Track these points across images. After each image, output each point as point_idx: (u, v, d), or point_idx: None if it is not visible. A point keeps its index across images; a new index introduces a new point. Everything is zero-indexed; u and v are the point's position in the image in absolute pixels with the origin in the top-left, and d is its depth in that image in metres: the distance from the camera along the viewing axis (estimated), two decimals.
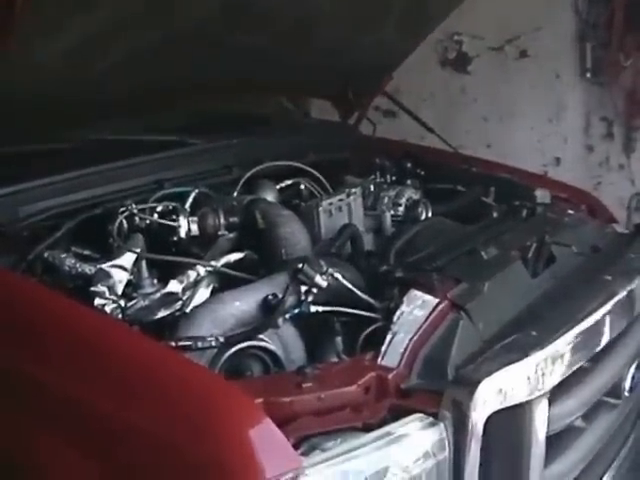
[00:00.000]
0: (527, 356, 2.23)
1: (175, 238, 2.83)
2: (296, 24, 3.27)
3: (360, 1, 3.36)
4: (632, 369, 2.79)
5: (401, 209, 3.29)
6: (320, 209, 3.00)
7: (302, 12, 3.21)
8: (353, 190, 3.16)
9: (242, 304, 2.41)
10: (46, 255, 2.64)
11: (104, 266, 2.58)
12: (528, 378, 2.22)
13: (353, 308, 2.46)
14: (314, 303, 2.42)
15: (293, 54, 3.46)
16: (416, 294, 2.40)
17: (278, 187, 3.39)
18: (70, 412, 2.07)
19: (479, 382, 2.10)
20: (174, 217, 2.85)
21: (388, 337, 2.29)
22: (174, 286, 2.54)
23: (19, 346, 2.21)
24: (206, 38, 3.02)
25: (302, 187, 3.45)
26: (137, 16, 2.67)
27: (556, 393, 2.35)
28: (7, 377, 2.20)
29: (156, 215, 2.88)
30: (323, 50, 3.54)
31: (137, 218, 2.82)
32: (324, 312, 2.45)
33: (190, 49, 3.00)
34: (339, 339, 2.42)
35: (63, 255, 2.65)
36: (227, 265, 2.67)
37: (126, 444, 1.99)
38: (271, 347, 2.39)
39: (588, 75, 5.72)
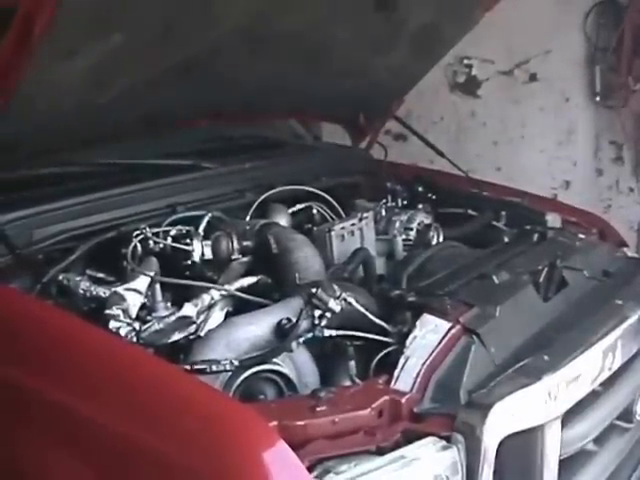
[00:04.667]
0: (539, 380, 2.25)
1: (189, 262, 2.83)
2: (309, 49, 3.30)
3: (372, 26, 3.38)
4: None
5: (413, 233, 3.29)
6: (332, 233, 3.02)
7: (316, 38, 3.24)
8: (365, 214, 3.17)
9: (256, 328, 2.42)
10: (61, 278, 2.65)
11: (118, 289, 2.60)
12: (540, 402, 2.23)
13: (366, 332, 2.47)
14: (328, 327, 2.43)
15: (305, 78, 3.49)
16: (429, 318, 2.41)
17: (290, 211, 3.40)
18: (85, 433, 2.08)
19: (491, 406, 2.11)
20: (188, 241, 2.85)
21: (401, 361, 2.31)
22: (188, 309, 2.56)
23: (34, 367, 2.22)
24: (220, 63, 3.05)
25: (314, 211, 3.46)
26: (153, 41, 2.70)
27: (568, 417, 2.36)
28: (20, 395, 2.22)
29: (170, 239, 2.88)
30: (335, 75, 3.56)
31: (151, 242, 2.81)
32: (337, 336, 2.46)
33: (204, 75, 3.03)
34: (352, 363, 2.45)
35: (78, 278, 2.67)
36: (241, 289, 2.69)
37: (141, 465, 2.00)
38: (285, 371, 2.40)
39: (597, 99, 5.75)
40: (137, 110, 2.99)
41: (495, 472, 2.13)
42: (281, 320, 2.42)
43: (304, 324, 2.41)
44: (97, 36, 2.53)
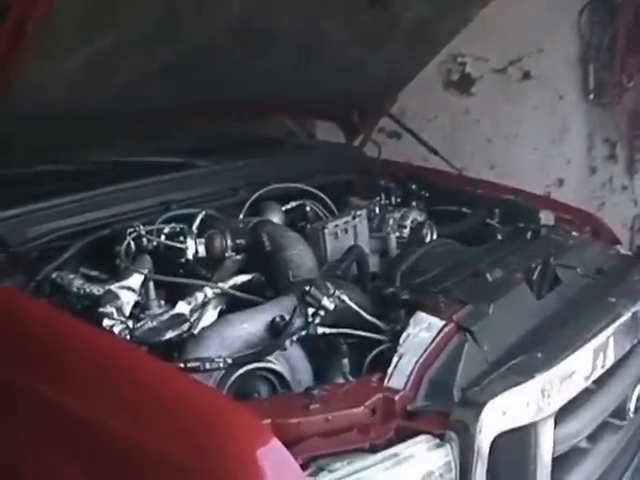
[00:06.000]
0: (532, 378, 2.25)
1: (182, 260, 2.82)
2: (303, 47, 3.30)
3: (367, 23, 3.38)
4: (637, 390, 2.79)
5: (406, 231, 3.29)
6: (326, 231, 3.01)
7: (309, 35, 3.24)
8: (358, 212, 3.17)
9: (250, 326, 2.42)
10: (54, 276, 2.65)
11: (112, 287, 2.59)
12: (534, 400, 2.24)
13: (360, 330, 2.47)
14: (321, 325, 2.42)
15: (299, 76, 3.49)
16: (422, 316, 2.42)
17: (284, 209, 3.39)
18: (80, 431, 2.09)
19: (485, 404, 2.11)
20: (181, 239, 2.84)
21: (394, 359, 2.31)
22: (182, 307, 2.55)
23: (27, 366, 2.23)
24: (214, 61, 3.05)
25: (308, 209, 3.45)
26: (146, 39, 2.70)
27: (561, 414, 2.36)
28: (14, 395, 2.21)
29: (163, 236, 2.87)
30: (329, 72, 3.56)
31: (145, 239, 2.80)
32: (331, 334, 2.46)
33: (198, 72, 3.03)
34: (346, 361, 2.43)
35: (71, 276, 2.67)
36: (234, 287, 2.68)
37: (134, 463, 2.00)
38: (278, 369, 2.40)
39: (591, 97, 5.75)
40: (132, 108, 2.98)
41: (488, 470, 2.13)
42: (275, 318, 2.42)
43: (297, 322, 2.40)
44: (92, 34, 2.53)
